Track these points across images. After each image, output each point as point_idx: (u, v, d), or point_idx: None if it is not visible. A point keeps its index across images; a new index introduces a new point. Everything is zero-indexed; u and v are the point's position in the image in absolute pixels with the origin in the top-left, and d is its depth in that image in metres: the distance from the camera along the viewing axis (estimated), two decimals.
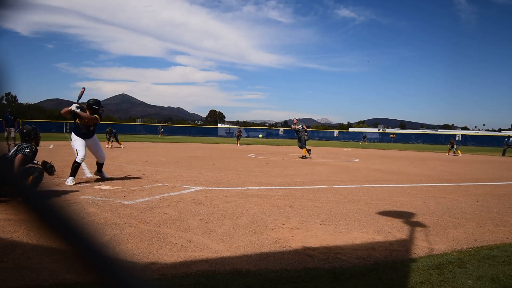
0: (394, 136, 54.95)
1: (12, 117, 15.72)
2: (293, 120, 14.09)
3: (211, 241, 3.20)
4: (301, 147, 13.54)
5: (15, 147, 5.07)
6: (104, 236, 3.21)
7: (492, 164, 14.71)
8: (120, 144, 17.96)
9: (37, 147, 5.24)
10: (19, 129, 15.51)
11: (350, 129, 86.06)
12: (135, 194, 5.20)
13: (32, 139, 5.24)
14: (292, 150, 20.78)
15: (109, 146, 17.15)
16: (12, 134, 15.29)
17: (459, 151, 22.75)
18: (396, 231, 3.77)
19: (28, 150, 4.96)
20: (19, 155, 4.89)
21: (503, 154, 22.19)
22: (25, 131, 5.24)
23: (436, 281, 2.45)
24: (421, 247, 3.22)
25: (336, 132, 56.91)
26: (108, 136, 17.71)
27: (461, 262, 2.84)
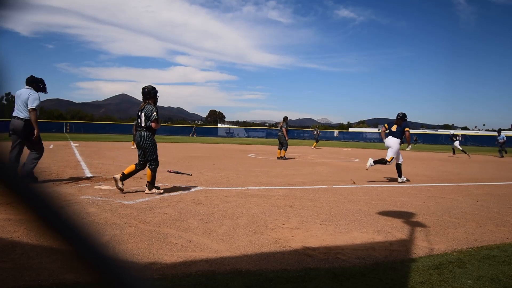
0: None
1: None
2: (284, 118, 13.11)
3: (211, 241, 3.20)
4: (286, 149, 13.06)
5: (143, 111, 5.24)
6: (104, 236, 3.21)
7: (492, 164, 14.71)
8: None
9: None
10: None
11: (350, 129, 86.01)
12: (135, 194, 5.20)
13: (151, 98, 5.33)
14: (292, 150, 20.78)
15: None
16: None
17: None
18: (396, 231, 3.77)
19: (155, 113, 5.20)
20: (153, 124, 5.17)
21: (502, 155, 20.32)
22: (146, 90, 5.34)
23: (436, 281, 2.45)
24: (421, 247, 3.22)
25: (336, 132, 56.88)
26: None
27: (461, 262, 2.84)
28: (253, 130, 58.39)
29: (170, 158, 11.88)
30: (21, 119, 5.49)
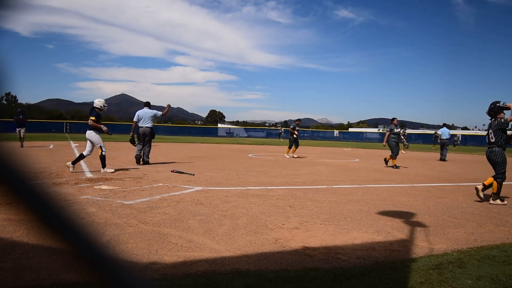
0: None
1: (21, 117, 15.29)
2: (392, 119, 11.76)
3: (211, 241, 3.20)
4: (395, 156, 11.32)
5: (491, 128, 5.64)
6: (104, 236, 3.21)
7: None
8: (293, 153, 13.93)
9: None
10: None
11: (350, 129, 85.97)
12: (135, 194, 5.20)
13: (499, 113, 5.63)
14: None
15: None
16: (21, 134, 14.80)
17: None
18: (396, 231, 3.77)
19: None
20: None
21: (443, 158, 15.00)
22: (492, 107, 5.66)
23: (436, 281, 2.45)
24: (421, 247, 3.22)
25: (336, 132, 56.81)
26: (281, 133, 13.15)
27: (461, 262, 2.84)
28: (253, 130, 58.33)
29: (171, 158, 11.88)
30: (149, 127, 9.33)
